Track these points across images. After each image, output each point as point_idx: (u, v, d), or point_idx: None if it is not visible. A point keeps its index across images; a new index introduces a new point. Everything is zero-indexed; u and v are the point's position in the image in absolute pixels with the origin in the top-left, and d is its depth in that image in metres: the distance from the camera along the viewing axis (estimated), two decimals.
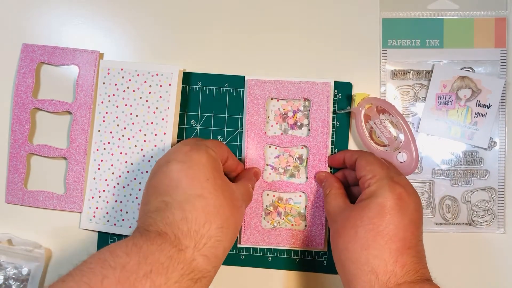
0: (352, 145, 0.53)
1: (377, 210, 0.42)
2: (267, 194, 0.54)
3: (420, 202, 0.44)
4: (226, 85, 0.54)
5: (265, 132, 0.53)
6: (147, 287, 0.36)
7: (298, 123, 0.53)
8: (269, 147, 0.54)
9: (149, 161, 0.53)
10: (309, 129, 0.53)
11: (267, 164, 0.54)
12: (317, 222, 0.53)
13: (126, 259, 0.37)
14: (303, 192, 0.53)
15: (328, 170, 0.53)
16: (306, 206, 0.53)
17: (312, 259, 0.53)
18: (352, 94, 0.53)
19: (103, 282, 0.35)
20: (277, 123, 0.54)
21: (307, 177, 0.53)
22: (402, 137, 0.51)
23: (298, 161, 0.54)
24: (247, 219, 0.53)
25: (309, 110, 0.53)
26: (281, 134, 0.54)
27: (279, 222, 0.53)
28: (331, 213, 0.47)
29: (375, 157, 0.48)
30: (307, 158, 0.53)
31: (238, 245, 0.53)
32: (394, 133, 0.51)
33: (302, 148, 0.53)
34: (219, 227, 0.42)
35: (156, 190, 0.43)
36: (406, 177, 0.47)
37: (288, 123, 0.54)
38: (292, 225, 0.53)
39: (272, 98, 0.54)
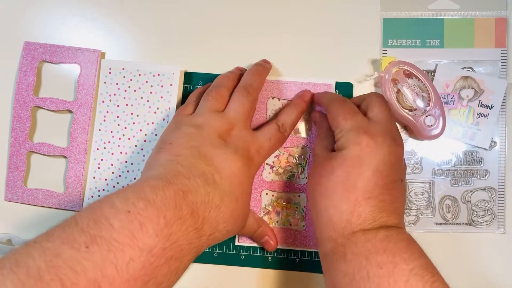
0: None
1: (340, 162, 0.43)
2: (266, 194, 0.53)
3: (395, 151, 0.43)
4: None
5: None
6: (164, 272, 0.36)
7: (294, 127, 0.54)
8: None
9: None
10: (309, 130, 0.53)
11: (266, 164, 0.54)
12: None
13: (154, 241, 0.35)
14: (302, 193, 0.53)
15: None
16: (305, 207, 0.53)
17: (313, 260, 0.53)
18: (379, 58, 0.54)
19: (129, 266, 0.34)
20: None
21: (306, 178, 0.53)
22: (429, 100, 0.51)
23: (298, 161, 0.54)
24: None
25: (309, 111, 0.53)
26: None
27: (277, 222, 0.53)
28: (314, 156, 0.49)
29: (340, 108, 0.47)
30: (307, 159, 0.53)
31: (236, 244, 0.53)
32: (422, 96, 0.51)
33: (302, 148, 0.53)
34: (229, 230, 0.43)
35: (208, 156, 0.43)
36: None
37: None
38: (291, 225, 0.53)
39: (273, 98, 0.54)
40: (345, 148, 0.44)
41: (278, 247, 0.53)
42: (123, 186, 0.53)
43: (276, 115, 0.52)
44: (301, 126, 0.54)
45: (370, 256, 0.39)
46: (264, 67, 0.52)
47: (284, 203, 0.53)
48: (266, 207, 0.53)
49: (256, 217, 0.51)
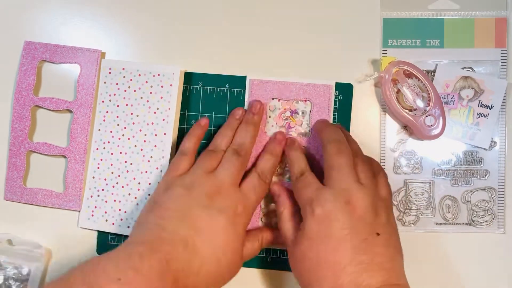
0: None
1: (306, 244, 0.43)
2: (266, 195, 0.53)
3: (350, 211, 0.42)
4: (227, 86, 0.54)
5: (266, 132, 0.53)
6: None
7: (295, 127, 0.53)
8: None
9: (148, 161, 0.53)
10: (309, 131, 0.53)
11: None
12: None
13: None
14: None
15: None
16: None
17: None
18: (379, 58, 0.54)
19: None
20: (276, 123, 0.54)
21: None
22: (429, 100, 0.51)
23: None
24: None
25: (310, 111, 0.53)
26: None
27: (276, 223, 0.53)
28: (283, 236, 0.48)
29: (300, 184, 0.47)
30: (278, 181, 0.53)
31: None
32: (422, 96, 0.51)
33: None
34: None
35: (193, 218, 0.45)
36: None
37: (288, 124, 0.54)
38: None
39: (273, 98, 0.54)
40: (304, 223, 0.44)
41: (278, 248, 0.53)
42: (122, 186, 0.53)
43: (255, 164, 0.51)
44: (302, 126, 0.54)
45: None
46: (253, 122, 0.52)
47: None
48: (266, 208, 0.53)
49: (254, 236, 0.50)
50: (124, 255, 0.41)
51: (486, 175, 0.53)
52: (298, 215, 0.47)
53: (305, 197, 0.45)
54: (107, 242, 0.54)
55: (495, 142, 0.53)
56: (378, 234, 0.42)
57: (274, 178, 0.53)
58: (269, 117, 0.54)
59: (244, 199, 0.47)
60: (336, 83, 0.53)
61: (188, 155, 0.50)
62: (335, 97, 0.53)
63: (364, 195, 0.43)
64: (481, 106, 0.52)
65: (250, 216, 0.48)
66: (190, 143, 0.51)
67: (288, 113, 0.54)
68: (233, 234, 0.45)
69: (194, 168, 0.49)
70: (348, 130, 0.53)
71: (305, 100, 0.53)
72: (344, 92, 0.53)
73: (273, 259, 0.53)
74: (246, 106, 0.54)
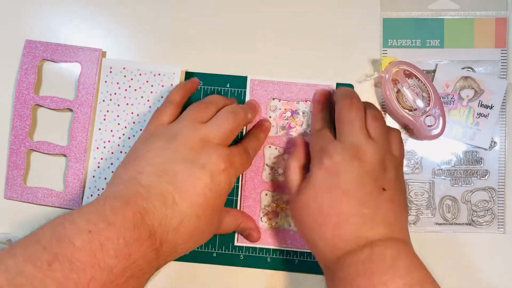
0: None
1: (311, 193, 0.43)
2: (266, 194, 0.53)
3: (358, 165, 0.43)
4: (228, 85, 0.54)
5: None
6: None
7: (295, 127, 0.54)
8: (269, 147, 0.54)
9: None
10: (310, 130, 0.53)
11: (266, 165, 0.54)
12: None
13: (114, 261, 0.36)
14: None
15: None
16: None
17: (312, 261, 0.53)
18: (379, 58, 0.54)
19: (90, 285, 0.35)
20: (277, 123, 0.54)
21: None
22: (429, 100, 0.51)
23: None
24: None
25: (310, 112, 0.53)
26: (282, 134, 0.54)
27: (276, 223, 0.53)
28: (288, 187, 0.48)
29: (316, 137, 0.47)
30: (302, 134, 0.53)
31: (235, 244, 0.53)
32: (422, 96, 0.51)
33: None
34: (190, 248, 0.44)
35: (172, 173, 0.42)
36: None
37: (288, 124, 0.54)
38: (290, 225, 0.53)
39: (273, 98, 0.54)
40: (311, 176, 0.44)
41: (277, 247, 0.53)
42: None
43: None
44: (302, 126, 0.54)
45: (353, 281, 0.39)
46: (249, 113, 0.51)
47: (283, 204, 0.53)
48: (266, 208, 0.53)
49: (235, 215, 0.50)
50: (95, 209, 0.39)
51: (486, 175, 0.53)
52: (306, 169, 0.47)
53: (317, 148, 0.45)
54: None
55: (495, 142, 0.53)
56: (384, 189, 0.43)
57: (274, 177, 0.53)
58: (270, 117, 0.54)
59: (230, 156, 0.45)
60: (337, 83, 0.53)
61: (174, 104, 0.49)
62: None
63: (373, 150, 0.43)
64: (481, 106, 0.52)
65: (234, 178, 0.46)
66: (178, 93, 0.50)
67: (288, 113, 0.54)
68: (215, 194, 0.43)
69: (181, 116, 0.47)
70: None
71: (306, 101, 0.54)
72: None
73: (273, 259, 0.53)
74: None
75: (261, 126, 0.53)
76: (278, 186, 0.53)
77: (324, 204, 0.42)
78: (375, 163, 0.43)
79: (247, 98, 0.54)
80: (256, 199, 0.53)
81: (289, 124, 0.54)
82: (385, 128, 0.47)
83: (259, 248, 0.53)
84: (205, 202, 0.43)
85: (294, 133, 0.53)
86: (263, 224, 0.53)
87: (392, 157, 0.45)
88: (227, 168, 0.44)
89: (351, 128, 0.45)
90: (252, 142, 0.51)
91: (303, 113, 0.54)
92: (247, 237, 0.52)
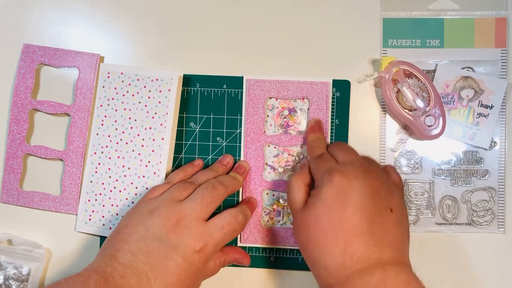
0: (351, 142, 0.53)
1: (322, 208, 0.43)
2: (267, 194, 0.54)
3: (371, 183, 0.43)
4: (225, 86, 0.54)
5: (264, 132, 0.53)
6: None
7: (294, 125, 0.53)
8: (268, 146, 0.54)
9: (146, 166, 0.52)
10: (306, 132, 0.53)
11: (266, 164, 0.54)
12: None
13: None
14: None
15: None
16: None
17: None
18: (379, 58, 0.54)
19: None
20: (275, 122, 0.53)
21: None
22: (429, 100, 0.51)
23: (297, 160, 0.53)
24: None
25: (308, 109, 0.53)
26: (281, 133, 0.53)
27: (278, 221, 0.53)
28: (291, 207, 0.47)
29: (318, 161, 0.48)
30: (306, 157, 0.53)
31: (239, 244, 0.53)
32: (422, 96, 0.51)
33: (301, 147, 0.53)
34: None
35: (146, 252, 0.44)
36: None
37: (286, 123, 0.54)
38: (292, 224, 0.53)
39: (270, 97, 0.53)
40: (321, 192, 0.43)
41: (281, 246, 0.53)
42: (119, 191, 0.53)
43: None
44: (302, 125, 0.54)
45: None
46: (237, 178, 0.52)
47: (284, 203, 0.53)
48: (267, 207, 0.53)
49: (217, 259, 0.50)
50: (81, 282, 0.41)
51: (486, 175, 0.53)
52: (310, 187, 0.48)
53: (324, 168, 0.45)
54: None
55: (495, 142, 0.53)
56: (391, 210, 0.43)
57: (274, 177, 0.53)
58: (268, 116, 0.53)
59: (207, 236, 0.46)
60: (333, 80, 0.53)
61: (171, 184, 0.50)
62: (333, 94, 0.53)
63: (379, 170, 0.46)
64: (481, 106, 0.52)
65: (213, 252, 0.47)
66: (178, 176, 0.51)
67: (286, 112, 0.54)
68: (190, 271, 0.44)
69: (163, 194, 0.48)
70: (347, 126, 0.54)
71: (303, 98, 0.53)
72: (342, 88, 0.53)
73: (277, 258, 0.53)
74: (244, 107, 0.53)
75: (248, 203, 0.53)
76: (278, 185, 0.53)
77: (335, 219, 0.42)
78: (383, 183, 0.44)
79: (244, 98, 0.54)
80: (258, 199, 0.53)
81: (287, 122, 0.54)
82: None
83: (262, 248, 0.53)
84: (179, 281, 0.44)
85: (292, 131, 0.53)
86: (265, 223, 0.53)
87: (394, 183, 0.46)
88: (203, 248, 0.45)
89: (353, 152, 0.47)
90: (244, 207, 0.51)
91: (301, 110, 0.53)
92: (238, 263, 0.52)
